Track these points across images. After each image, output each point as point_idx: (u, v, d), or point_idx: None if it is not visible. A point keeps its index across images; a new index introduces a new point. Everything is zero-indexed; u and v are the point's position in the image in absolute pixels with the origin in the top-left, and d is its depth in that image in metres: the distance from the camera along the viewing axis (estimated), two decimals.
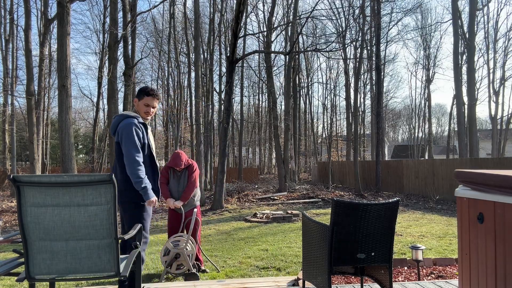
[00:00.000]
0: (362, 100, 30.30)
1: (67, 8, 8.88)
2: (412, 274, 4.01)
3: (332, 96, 33.16)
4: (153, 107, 3.01)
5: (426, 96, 32.20)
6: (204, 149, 18.10)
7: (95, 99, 26.50)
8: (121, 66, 20.16)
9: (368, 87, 29.54)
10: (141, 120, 2.91)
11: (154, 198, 2.80)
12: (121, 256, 2.39)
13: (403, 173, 16.02)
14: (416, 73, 52.18)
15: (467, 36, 17.77)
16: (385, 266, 2.75)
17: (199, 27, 15.69)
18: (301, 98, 30.78)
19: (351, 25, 20.87)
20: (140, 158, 2.76)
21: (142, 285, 3.38)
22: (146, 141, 2.89)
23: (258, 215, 9.74)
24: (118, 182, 2.78)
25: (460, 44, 18.49)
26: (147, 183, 2.77)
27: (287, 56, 19.51)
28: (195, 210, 4.45)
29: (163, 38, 25.65)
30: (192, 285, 3.58)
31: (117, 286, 2.98)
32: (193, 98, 23.22)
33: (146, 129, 2.92)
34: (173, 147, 25.40)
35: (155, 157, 2.99)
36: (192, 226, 4.30)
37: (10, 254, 5.73)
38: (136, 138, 2.79)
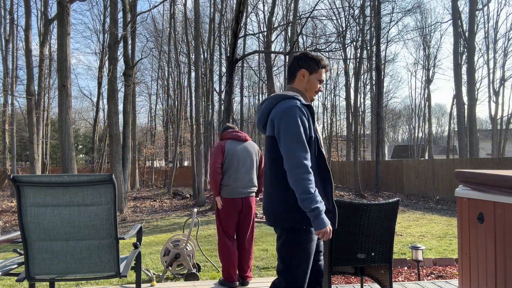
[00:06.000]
0: (362, 100, 30.31)
1: (67, 8, 8.88)
2: (412, 274, 4.01)
3: (332, 96, 33.17)
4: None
5: (426, 96, 32.23)
6: (204, 149, 18.10)
7: (95, 99, 26.51)
8: (121, 66, 20.17)
9: (368, 87, 29.55)
10: (304, 101, 1.97)
11: (328, 226, 1.78)
12: (121, 256, 2.40)
13: (403, 173, 16.01)
14: (416, 73, 52.27)
15: (467, 36, 17.77)
16: (385, 266, 2.75)
17: (199, 27, 15.70)
18: None
19: (351, 25, 20.88)
20: (308, 160, 1.81)
21: (142, 285, 3.38)
22: (313, 134, 1.91)
23: (258, 215, 9.73)
24: (270, 195, 1.93)
25: (460, 44, 18.49)
26: (319, 201, 1.77)
27: (287, 56, 19.50)
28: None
29: (163, 38, 25.67)
30: (192, 285, 3.58)
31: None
32: (193, 98, 23.22)
33: (313, 115, 1.95)
34: (173, 147, 25.43)
35: (325, 157, 1.96)
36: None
37: (10, 254, 5.73)
38: (301, 129, 1.83)
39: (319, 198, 1.78)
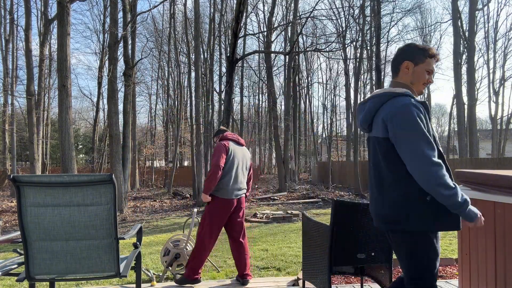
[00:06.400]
0: (362, 100, 30.30)
1: (67, 8, 8.88)
2: None
3: (332, 96, 33.22)
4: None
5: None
6: (204, 149, 18.10)
7: (95, 99, 26.53)
8: (121, 66, 20.18)
9: (368, 87, 29.55)
10: (417, 98, 1.83)
11: (479, 212, 1.70)
12: (121, 256, 2.40)
13: None
14: None
15: (467, 36, 17.78)
16: (385, 266, 2.75)
17: (199, 27, 15.71)
18: (301, 98, 30.83)
19: (351, 25, 20.89)
20: (436, 158, 1.67)
21: (142, 285, 3.38)
22: (431, 132, 1.77)
23: (258, 215, 9.74)
24: (384, 198, 1.79)
25: (460, 44, 18.49)
26: (462, 193, 1.66)
27: (287, 56, 19.52)
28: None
29: (163, 38, 25.69)
30: (192, 285, 3.58)
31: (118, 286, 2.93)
32: (193, 98, 23.20)
33: (429, 112, 1.81)
34: (173, 147, 25.44)
35: (444, 156, 1.79)
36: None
37: (10, 254, 5.73)
38: (423, 126, 1.70)
39: (460, 189, 1.66)
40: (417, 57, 1.87)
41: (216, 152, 3.58)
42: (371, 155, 1.90)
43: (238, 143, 3.76)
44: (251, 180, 3.92)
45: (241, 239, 3.66)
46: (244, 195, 3.74)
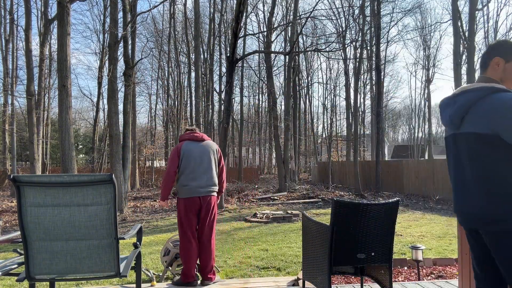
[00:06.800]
0: (362, 100, 30.35)
1: (67, 8, 8.88)
2: (412, 274, 4.01)
3: (332, 96, 33.27)
4: None
5: (426, 96, 32.27)
6: None
7: (95, 99, 26.53)
8: (121, 66, 20.17)
9: (368, 87, 29.57)
10: None
11: None
12: (121, 256, 2.40)
13: (403, 173, 16.02)
14: (416, 73, 52.44)
15: (467, 36, 17.77)
16: (385, 266, 2.75)
17: (199, 27, 15.71)
18: (301, 98, 30.86)
19: (351, 25, 20.92)
20: None
21: (142, 285, 3.38)
22: None
23: (258, 215, 9.74)
24: (490, 199, 1.69)
25: (460, 44, 18.49)
26: None
27: (287, 56, 19.53)
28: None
29: (163, 38, 25.69)
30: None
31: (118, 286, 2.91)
32: (193, 98, 23.24)
33: None
34: (173, 147, 25.44)
35: None
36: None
37: (10, 254, 5.73)
38: None
39: None
40: (509, 54, 1.82)
41: (168, 159, 3.61)
42: (463, 152, 1.80)
43: (195, 140, 3.63)
44: (223, 174, 3.76)
45: (205, 241, 3.53)
46: (213, 193, 3.58)
